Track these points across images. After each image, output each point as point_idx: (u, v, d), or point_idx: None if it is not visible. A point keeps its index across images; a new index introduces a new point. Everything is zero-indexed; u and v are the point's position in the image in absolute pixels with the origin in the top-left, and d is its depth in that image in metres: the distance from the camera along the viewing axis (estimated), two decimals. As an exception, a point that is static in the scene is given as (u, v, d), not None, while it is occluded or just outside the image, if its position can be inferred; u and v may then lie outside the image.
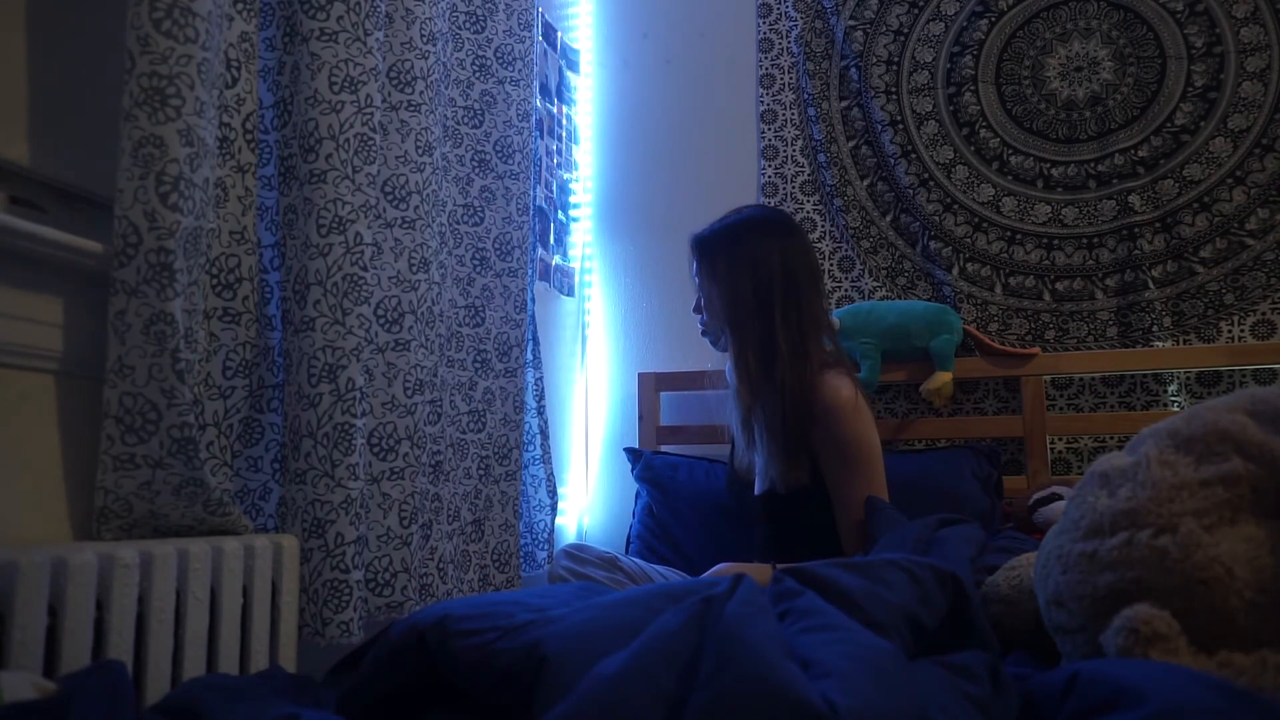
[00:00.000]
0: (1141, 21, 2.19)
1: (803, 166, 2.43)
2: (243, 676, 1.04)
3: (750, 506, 1.69)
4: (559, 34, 2.45)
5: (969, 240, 2.25)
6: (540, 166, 2.26)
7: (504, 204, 1.90)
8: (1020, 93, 2.27)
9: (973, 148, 2.28)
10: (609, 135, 2.62)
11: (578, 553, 1.65)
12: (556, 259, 2.39)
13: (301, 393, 1.31)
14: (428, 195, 1.57)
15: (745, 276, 1.57)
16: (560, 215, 2.42)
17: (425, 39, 1.57)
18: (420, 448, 1.52)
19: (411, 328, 1.52)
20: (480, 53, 1.87)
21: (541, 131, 2.27)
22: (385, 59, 1.51)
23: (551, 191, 2.35)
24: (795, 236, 1.62)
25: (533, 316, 2.06)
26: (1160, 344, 2.08)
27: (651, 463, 2.17)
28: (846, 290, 2.33)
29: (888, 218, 2.33)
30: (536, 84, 2.06)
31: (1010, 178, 2.25)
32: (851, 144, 2.38)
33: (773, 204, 2.42)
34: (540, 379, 2.10)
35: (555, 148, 2.39)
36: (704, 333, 1.68)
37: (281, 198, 1.36)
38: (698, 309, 1.67)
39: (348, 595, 1.30)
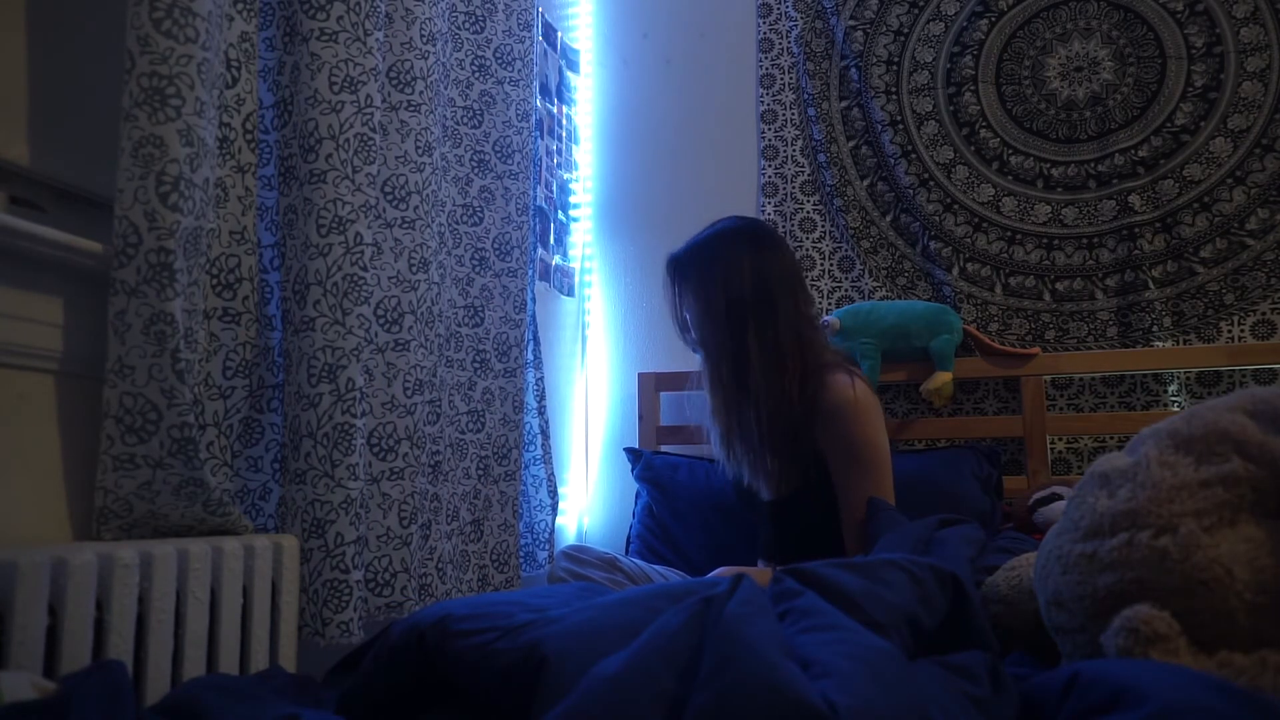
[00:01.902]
0: (1141, 21, 2.19)
1: (803, 166, 2.43)
2: (243, 676, 1.04)
3: (757, 509, 1.69)
4: (559, 34, 2.45)
5: (969, 240, 2.25)
6: (540, 166, 2.26)
7: (503, 204, 1.90)
8: (1020, 93, 2.27)
9: (973, 148, 2.28)
10: (609, 135, 2.62)
11: (577, 554, 1.65)
12: (556, 259, 2.39)
13: (301, 393, 1.32)
14: (427, 195, 1.57)
15: (716, 288, 1.53)
16: (560, 215, 2.42)
17: (425, 39, 1.57)
18: (420, 448, 1.52)
19: (411, 328, 1.52)
20: (480, 53, 1.87)
21: (541, 131, 2.27)
22: (385, 59, 1.51)
23: (551, 191, 2.35)
24: (769, 246, 1.57)
25: (533, 316, 2.06)
26: (1160, 344, 2.08)
27: (651, 463, 2.17)
28: (846, 290, 2.33)
29: (888, 218, 2.33)
30: (536, 84, 2.06)
31: (1010, 178, 2.25)
32: (851, 144, 2.38)
33: (772, 204, 2.42)
34: (541, 379, 2.10)
35: (555, 148, 2.39)
36: (695, 350, 1.65)
37: (281, 198, 1.36)
38: (685, 329, 1.63)
39: (347, 595, 1.30)
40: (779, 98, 2.47)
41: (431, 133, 1.59)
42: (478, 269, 1.85)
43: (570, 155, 2.51)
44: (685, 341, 1.66)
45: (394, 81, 1.53)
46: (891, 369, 2.15)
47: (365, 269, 1.37)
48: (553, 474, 2.09)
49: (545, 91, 2.32)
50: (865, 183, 2.36)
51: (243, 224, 1.31)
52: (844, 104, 2.40)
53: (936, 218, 2.28)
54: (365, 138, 1.39)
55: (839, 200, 2.36)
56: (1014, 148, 2.25)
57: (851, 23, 2.40)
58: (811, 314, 1.58)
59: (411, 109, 1.55)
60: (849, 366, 1.56)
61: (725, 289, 1.53)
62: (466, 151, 1.84)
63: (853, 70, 2.39)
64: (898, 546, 1.27)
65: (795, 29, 2.46)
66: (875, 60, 2.38)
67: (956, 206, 2.27)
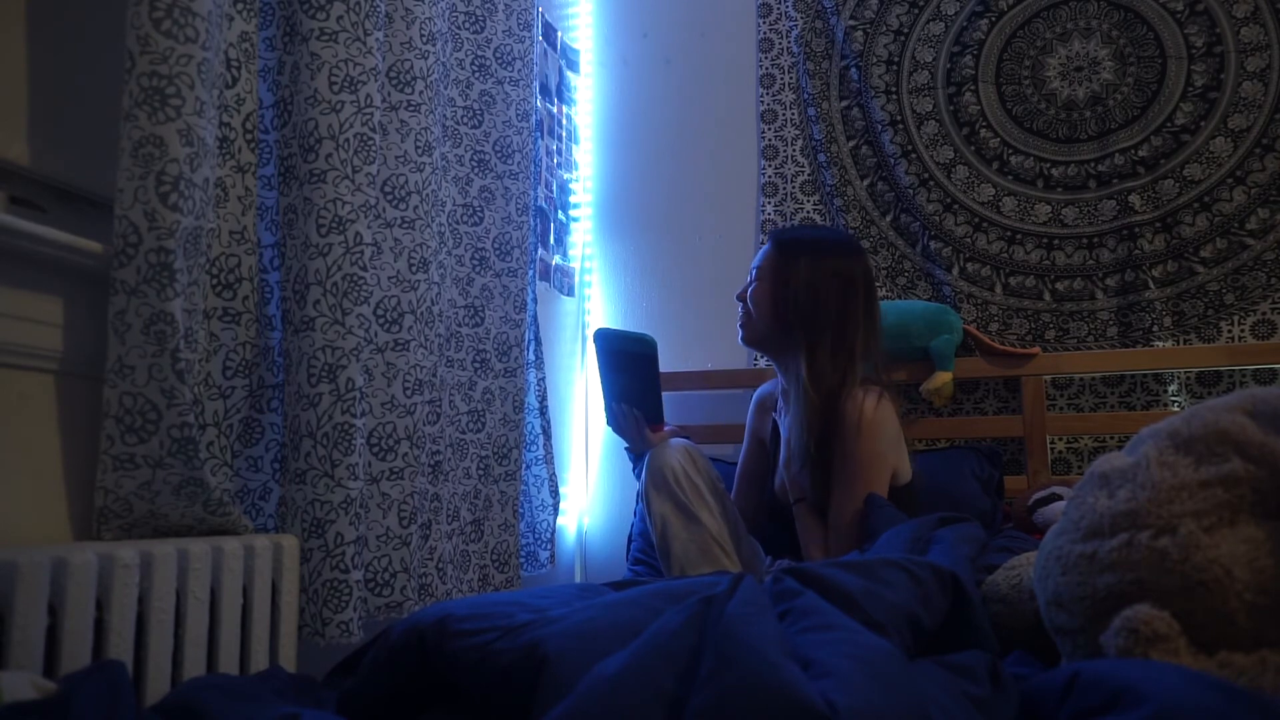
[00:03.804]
0: (1141, 21, 2.19)
1: (803, 166, 2.43)
2: (243, 676, 1.04)
3: (783, 515, 1.68)
4: (559, 34, 2.45)
5: (969, 240, 2.25)
6: (540, 166, 2.26)
7: (503, 204, 1.90)
8: (1020, 93, 2.26)
9: (973, 148, 2.28)
10: (609, 135, 2.62)
11: (695, 457, 1.59)
12: (556, 259, 2.39)
13: (301, 393, 1.31)
14: (427, 195, 1.57)
15: (832, 285, 1.58)
16: (560, 215, 2.42)
17: (425, 39, 1.57)
18: (420, 448, 1.52)
19: (411, 328, 1.52)
20: (480, 53, 1.87)
21: (541, 131, 2.27)
22: (385, 59, 1.51)
23: (551, 191, 2.35)
24: (866, 258, 1.66)
25: (534, 316, 2.06)
26: (1160, 344, 2.08)
27: (651, 462, 2.17)
28: (846, 290, 2.33)
29: (888, 218, 2.33)
30: (536, 84, 2.06)
31: (1010, 178, 2.25)
32: (851, 144, 2.38)
33: (772, 204, 2.43)
34: (543, 379, 2.10)
35: (555, 148, 2.39)
36: (742, 324, 1.68)
37: (281, 198, 1.36)
38: (743, 298, 1.67)
39: (347, 595, 1.30)
40: (779, 98, 2.47)
41: (431, 133, 1.59)
42: (478, 269, 1.85)
43: (570, 155, 2.51)
44: (744, 311, 1.68)
45: (394, 81, 1.53)
46: (891, 369, 2.15)
47: (365, 269, 1.37)
48: (554, 474, 2.09)
49: (545, 91, 2.32)
50: (865, 182, 2.36)
51: (243, 224, 1.31)
52: (844, 104, 2.40)
53: (936, 218, 2.28)
54: (365, 137, 1.39)
55: (839, 200, 2.36)
56: (1014, 147, 2.25)
57: (851, 23, 2.40)
58: (862, 342, 1.59)
59: (411, 109, 1.55)
60: (880, 386, 1.58)
61: (842, 287, 1.58)
62: (466, 151, 1.84)
63: (853, 70, 2.39)
64: (896, 545, 1.27)
65: (795, 29, 2.46)
66: (875, 60, 2.38)
67: (956, 206, 2.27)
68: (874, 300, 1.63)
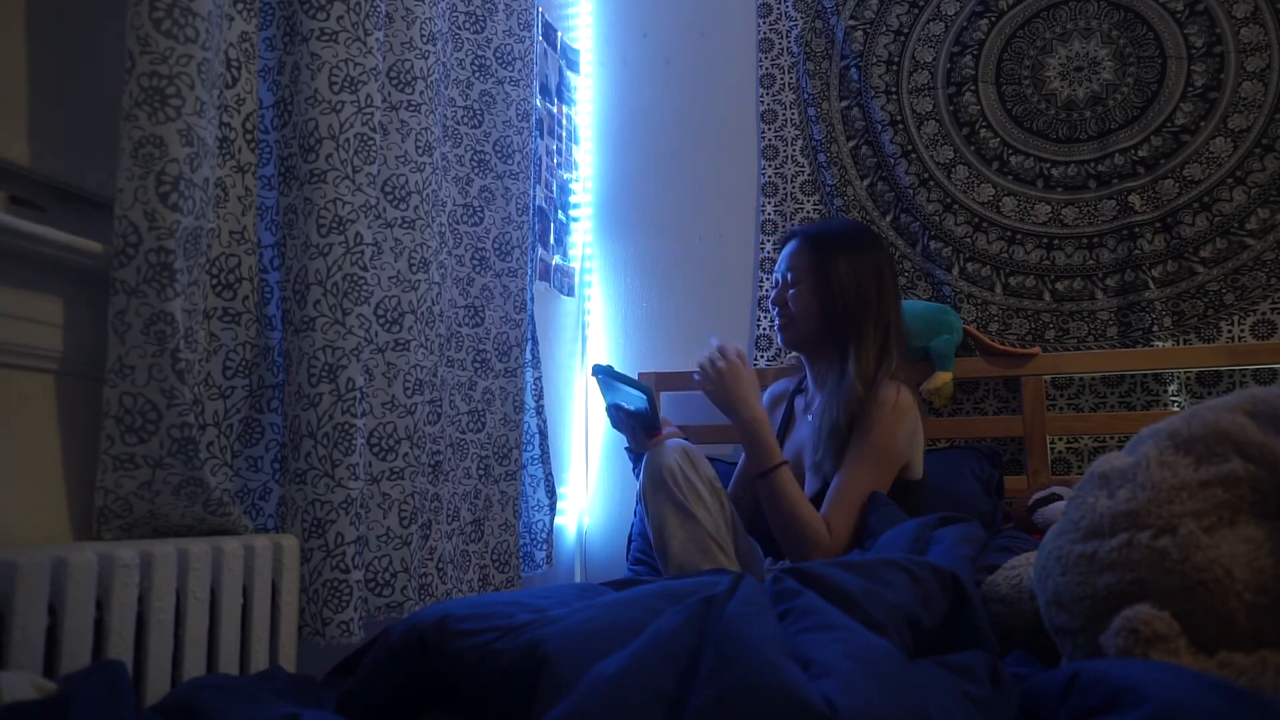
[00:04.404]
0: (1141, 21, 2.19)
1: (803, 166, 2.43)
2: (243, 676, 1.04)
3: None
4: (559, 34, 2.45)
5: (969, 240, 2.25)
6: (540, 166, 2.26)
7: (503, 204, 1.90)
8: (1020, 93, 2.26)
9: (973, 148, 2.28)
10: (609, 135, 2.62)
11: (693, 457, 1.59)
12: (556, 259, 2.39)
13: (301, 393, 1.32)
14: (427, 195, 1.57)
15: (871, 278, 1.64)
16: (560, 215, 2.42)
17: (425, 39, 1.57)
18: (420, 448, 1.52)
19: (411, 328, 1.52)
20: (480, 53, 1.87)
21: (541, 131, 2.27)
22: (385, 59, 1.51)
23: (551, 191, 2.35)
24: (886, 247, 1.73)
25: (532, 316, 2.06)
26: (1160, 344, 2.08)
27: (651, 462, 2.17)
28: (846, 290, 2.33)
29: (888, 218, 2.33)
30: (536, 84, 2.06)
31: (1010, 178, 2.25)
32: (851, 144, 2.38)
33: (772, 204, 2.43)
34: (539, 379, 2.10)
35: (555, 148, 2.39)
36: (783, 327, 1.70)
37: (281, 198, 1.36)
38: (779, 301, 1.70)
39: (348, 595, 1.30)
40: (779, 98, 2.47)
41: (432, 133, 1.59)
42: (478, 269, 1.85)
43: (570, 155, 2.51)
44: (781, 314, 1.71)
45: (394, 81, 1.53)
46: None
47: (365, 269, 1.37)
48: (550, 474, 2.09)
49: (545, 91, 2.32)
50: (865, 183, 2.36)
51: (243, 224, 1.31)
52: (844, 104, 2.40)
53: (936, 218, 2.28)
54: (365, 137, 1.39)
55: (839, 200, 2.36)
56: (1014, 148, 2.25)
57: (851, 23, 2.40)
58: (895, 331, 1.66)
59: (412, 109, 1.55)
60: (899, 381, 1.63)
61: (879, 278, 1.65)
62: (467, 151, 1.84)
63: (853, 70, 2.38)
64: (897, 544, 1.27)
65: (795, 29, 2.46)
66: (875, 60, 2.38)
67: (956, 206, 2.27)
68: (898, 288, 1.70)
